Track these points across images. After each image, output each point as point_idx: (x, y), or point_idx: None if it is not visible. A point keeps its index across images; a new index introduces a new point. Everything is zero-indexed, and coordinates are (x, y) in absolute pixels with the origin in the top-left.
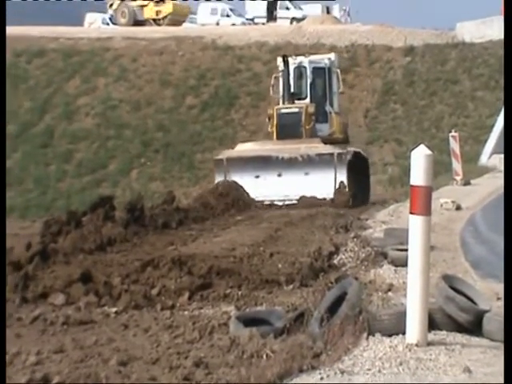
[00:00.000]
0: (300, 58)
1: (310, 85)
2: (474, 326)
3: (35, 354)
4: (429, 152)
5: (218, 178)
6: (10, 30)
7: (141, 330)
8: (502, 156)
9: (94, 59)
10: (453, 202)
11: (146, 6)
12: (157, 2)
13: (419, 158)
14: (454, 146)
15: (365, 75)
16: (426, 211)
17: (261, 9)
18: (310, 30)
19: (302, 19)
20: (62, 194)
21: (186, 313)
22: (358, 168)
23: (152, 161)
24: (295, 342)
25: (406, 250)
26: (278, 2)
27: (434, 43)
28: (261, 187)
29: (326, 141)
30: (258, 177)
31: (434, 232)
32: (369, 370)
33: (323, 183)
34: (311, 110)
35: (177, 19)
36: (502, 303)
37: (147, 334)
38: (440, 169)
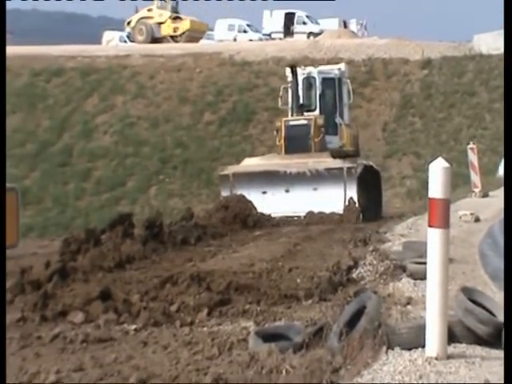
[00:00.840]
0: (309, 69)
1: (320, 96)
2: (493, 339)
3: (55, 372)
4: (447, 165)
5: (224, 195)
6: (28, 49)
7: (160, 347)
8: None
9: (111, 77)
10: (471, 214)
11: (163, 23)
12: (174, 18)
13: (437, 171)
14: (472, 158)
15: (382, 89)
16: (445, 224)
17: (278, 24)
18: (327, 45)
19: (319, 34)
20: (80, 213)
21: (204, 329)
22: (370, 182)
23: (170, 177)
24: (314, 356)
25: (425, 263)
26: (295, 17)
27: (451, 55)
28: (268, 203)
29: (336, 154)
30: (265, 192)
31: (452, 244)
32: None
33: (332, 199)
34: (320, 122)
35: (194, 36)
36: None
37: (166, 350)
38: (458, 181)
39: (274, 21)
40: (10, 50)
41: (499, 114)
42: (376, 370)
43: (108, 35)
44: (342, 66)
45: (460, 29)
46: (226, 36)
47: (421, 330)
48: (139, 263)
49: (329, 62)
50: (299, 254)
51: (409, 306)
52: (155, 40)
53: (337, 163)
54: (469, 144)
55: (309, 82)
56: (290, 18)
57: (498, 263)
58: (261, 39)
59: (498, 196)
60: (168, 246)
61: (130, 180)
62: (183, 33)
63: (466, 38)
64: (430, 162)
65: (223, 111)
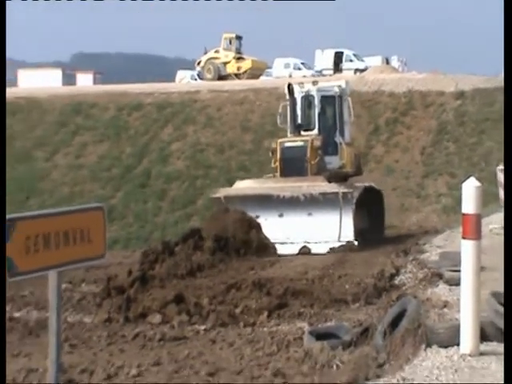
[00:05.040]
0: (308, 86)
1: (319, 115)
2: None
3: (136, 366)
4: (478, 184)
5: None
6: (114, 87)
7: (226, 345)
8: None
9: (184, 110)
10: (501, 227)
11: (228, 62)
12: (238, 59)
13: (469, 189)
14: (501, 177)
15: (421, 117)
16: (477, 236)
17: (328, 62)
18: (371, 79)
19: (365, 70)
20: (158, 227)
21: (265, 329)
22: (370, 204)
23: None
24: (361, 353)
25: (460, 270)
26: (344, 56)
27: (482, 87)
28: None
29: (335, 175)
30: (257, 217)
31: (484, 254)
32: (427, 377)
33: (328, 225)
34: (317, 143)
35: (255, 73)
36: None
37: (232, 348)
38: (489, 198)
39: (324, 59)
40: (100, 87)
41: None
42: (416, 365)
43: (180, 74)
44: (343, 82)
45: (490, 63)
46: (283, 73)
47: (456, 329)
48: (208, 271)
49: (373, 95)
50: (347, 263)
51: (445, 309)
52: (221, 77)
53: (332, 187)
54: (498, 165)
55: (307, 100)
56: (338, 57)
57: None
58: (313, 75)
59: None
60: (233, 257)
61: (200, 199)
62: (245, 71)
63: (496, 71)
64: (463, 181)
65: None
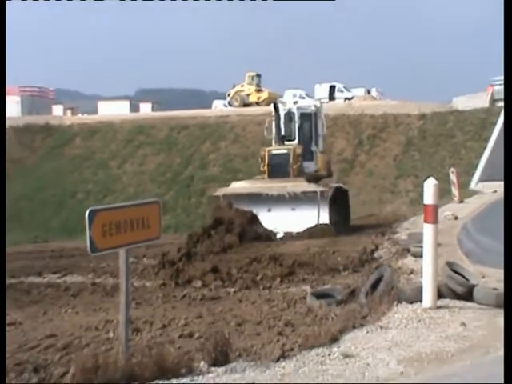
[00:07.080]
0: (289, 105)
1: (298, 128)
2: (467, 295)
3: (184, 318)
4: (435, 182)
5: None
6: (167, 114)
7: (250, 303)
8: (485, 183)
9: (218, 130)
10: (452, 214)
11: (251, 94)
12: (258, 91)
13: (429, 186)
14: (453, 177)
15: (393, 133)
16: (435, 221)
17: (325, 92)
18: (356, 105)
19: (352, 98)
20: (199, 217)
21: (278, 291)
22: (340, 200)
23: None
24: (350, 308)
25: (422, 246)
26: (336, 88)
27: (438, 111)
28: None
29: (311, 177)
30: (250, 211)
31: (440, 234)
32: (398, 325)
33: (308, 218)
34: (298, 151)
35: (271, 101)
36: (486, 280)
37: (254, 305)
38: (444, 193)
39: (322, 90)
40: (157, 114)
41: (470, 149)
42: (390, 317)
43: (216, 103)
44: (318, 103)
45: (444, 92)
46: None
47: (419, 290)
48: (236, 249)
49: (358, 117)
50: (339, 242)
51: (412, 275)
52: (246, 105)
53: (311, 187)
54: (450, 169)
55: (289, 116)
56: (332, 88)
57: (470, 246)
58: None
59: (469, 202)
60: (253, 238)
61: None
62: (264, 100)
63: (447, 99)
64: (425, 180)
65: None
